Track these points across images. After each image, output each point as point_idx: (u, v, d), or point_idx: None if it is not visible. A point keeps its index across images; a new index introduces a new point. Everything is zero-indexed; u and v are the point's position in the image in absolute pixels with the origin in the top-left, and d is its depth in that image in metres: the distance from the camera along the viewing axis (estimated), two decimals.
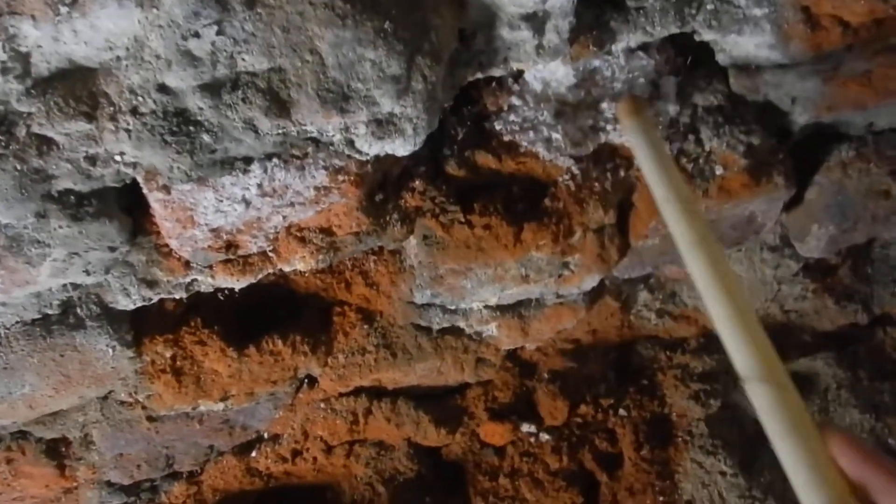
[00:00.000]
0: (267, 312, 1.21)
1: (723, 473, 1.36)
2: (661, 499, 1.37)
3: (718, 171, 1.18)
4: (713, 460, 1.37)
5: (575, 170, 1.13)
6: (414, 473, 1.38)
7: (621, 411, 1.43)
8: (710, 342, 1.50)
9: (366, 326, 1.24)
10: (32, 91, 0.77)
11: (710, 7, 1.00)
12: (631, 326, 1.49)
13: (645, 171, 0.98)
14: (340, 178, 0.93)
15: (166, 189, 0.86)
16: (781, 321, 1.55)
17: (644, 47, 1.13)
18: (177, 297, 1.04)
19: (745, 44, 1.07)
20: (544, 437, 1.40)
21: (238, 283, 1.04)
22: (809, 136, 1.26)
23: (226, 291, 1.10)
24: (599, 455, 1.40)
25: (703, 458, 1.38)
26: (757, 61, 1.11)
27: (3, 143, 0.77)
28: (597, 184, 1.15)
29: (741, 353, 0.76)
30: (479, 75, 0.98)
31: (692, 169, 1.18)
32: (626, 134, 1.02)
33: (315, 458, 1.35)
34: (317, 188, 0.93)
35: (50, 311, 0.98)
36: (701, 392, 1.42)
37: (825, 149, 1.28)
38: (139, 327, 1.08)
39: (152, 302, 1.03)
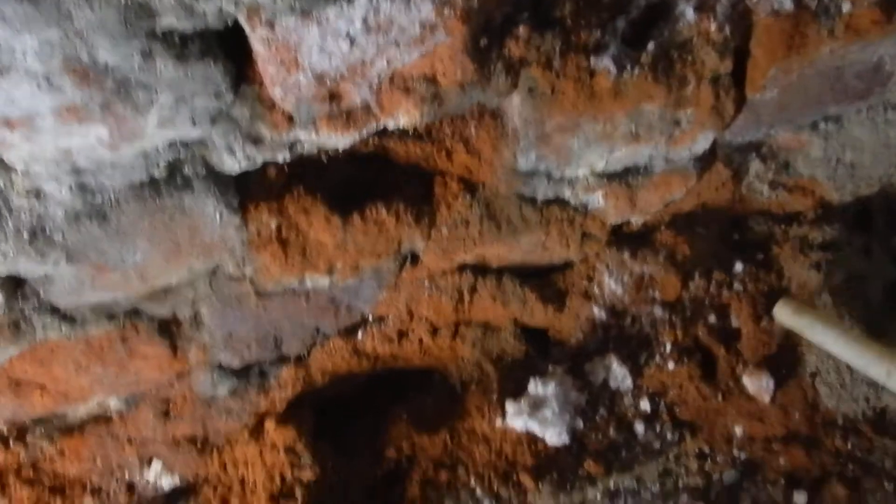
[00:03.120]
0: (367, 186, 1.19)
1: None
2: (783, 372, 1.31)
3: (846, 7, 1.10)
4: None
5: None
6: (522, 354, 1.35)
7: (736, 286, 1.37)
8: (828, 213, 1.41)
9: (468, 197, 1.21)
10: None
11: None
12: (742, 200, 1.41)
13: (847, 358, 1.11)
14: (446, 11, 0.88)
15: (270, 25, 0.83)
16: None
17: None
18: (280, 159, 1.02)
19: None
20: (657, 312, 1.35)
21: (342, 139, 1.01)
22: None
23: (329, 153, 1.07)
24: (715, 329, 1.34)
25: None
26: None
27: None
28: (714, 26, 1.08)
29: None
30: None
31: (816, 7, 1.10)
32: (801, 332, 1.20)
33: (421, 340, 1.33)
34: (422, 24, 0.89)
35: (157, 174, 0.97)
36: (823, 262, 1.34)
37: None
38: (244, 194, 1.07)
39: (256, 164, 1.01)
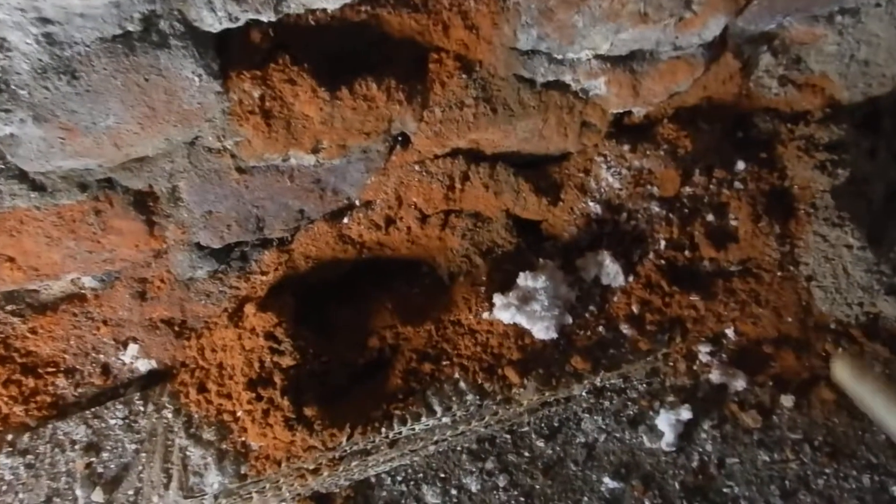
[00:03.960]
0: (358, 60, 1.12)
1: (849, 247, 1.25)
2: (779, 274, 1.28)
3: None
4: (839, 233, 1.26)
5: None
6: (513, 247, 1.31)
7: (737, 184, 1.32)
8: (837, 112, 1.36)
9: (464, 76, 1.14)
10: None
11: None
12: (749, 95, 1.36)
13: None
14: None
15: None
16: None
17: None
18: (265, 18, 0.95)
19: None
20: (654, 208, 1.31)
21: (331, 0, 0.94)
22: None
23: (317, 16, 1.00)
24: (711, 228, 1.30)
25: (828, 230, 1.27)
26: None
27: None
28: None
29: None
30: None
31: None
32: (855, 396, 1.11)
33: (409, 228, 1.28)
34: None
35: (131, 27, 0.89)
36: (828, 162, 1.29)
37: None
38: (226, 59, 1.00)
39: (239, 23, 0.94)
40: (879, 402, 1.03)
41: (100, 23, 0.88)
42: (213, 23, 0.92)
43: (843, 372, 1.09)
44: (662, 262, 1.29)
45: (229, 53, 1.01)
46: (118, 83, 0.93)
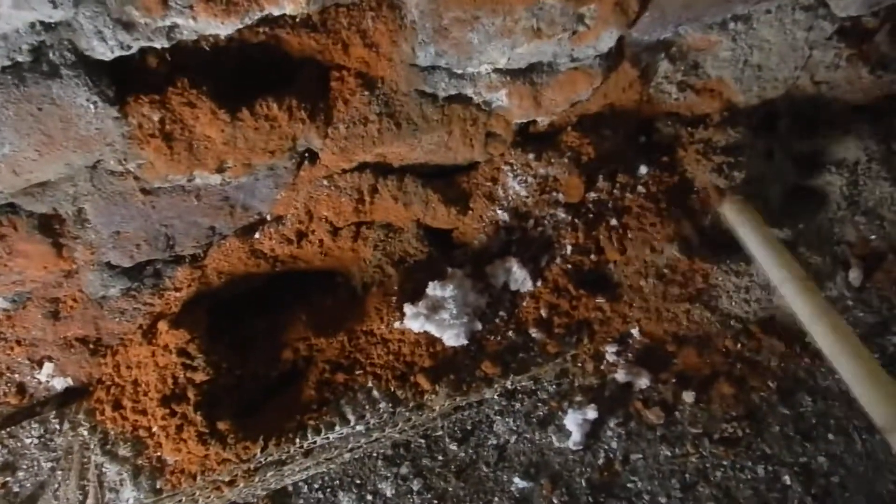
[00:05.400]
0: (261, 81, 1.13)
1: None
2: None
3: None
4: None
5: None
6: (424, 255, 1.34)
7: (640, 188, 1.37)
8: (734, 116, 1.41)
9: (367, 93, 1.16)
10: None
11: None
12: (650, 101, 1.40)
13: (759, 258, 1.23)
14: None
15: None
16: (812, 93, 1.45)
17: None
18: (158, 45, 0.95)
19: None
20: (560, 214, 1.35)
21: (223, 26, 0.95)
22: None
23: (212, 42, 1.01)
24: (616, 231, 1.34)
25: None
26: None
27: None
28: None
29: (877, 407, 1.00)
30: None
31: None
32: (734, 227, 1.30)
33: (321, 241, 1.30)
34: None
35: (20, 58, 0.90)
36: (724, 165, 1.34)
37: None
38: (122, 85, 1.00)
39: (131, 51, 0.94)
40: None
41: None
42: (104, 51, 0.93)
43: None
44: (569, 266, 1.33)
45: (126, 79, 1.01)
46: (10, 113, 0.93)
